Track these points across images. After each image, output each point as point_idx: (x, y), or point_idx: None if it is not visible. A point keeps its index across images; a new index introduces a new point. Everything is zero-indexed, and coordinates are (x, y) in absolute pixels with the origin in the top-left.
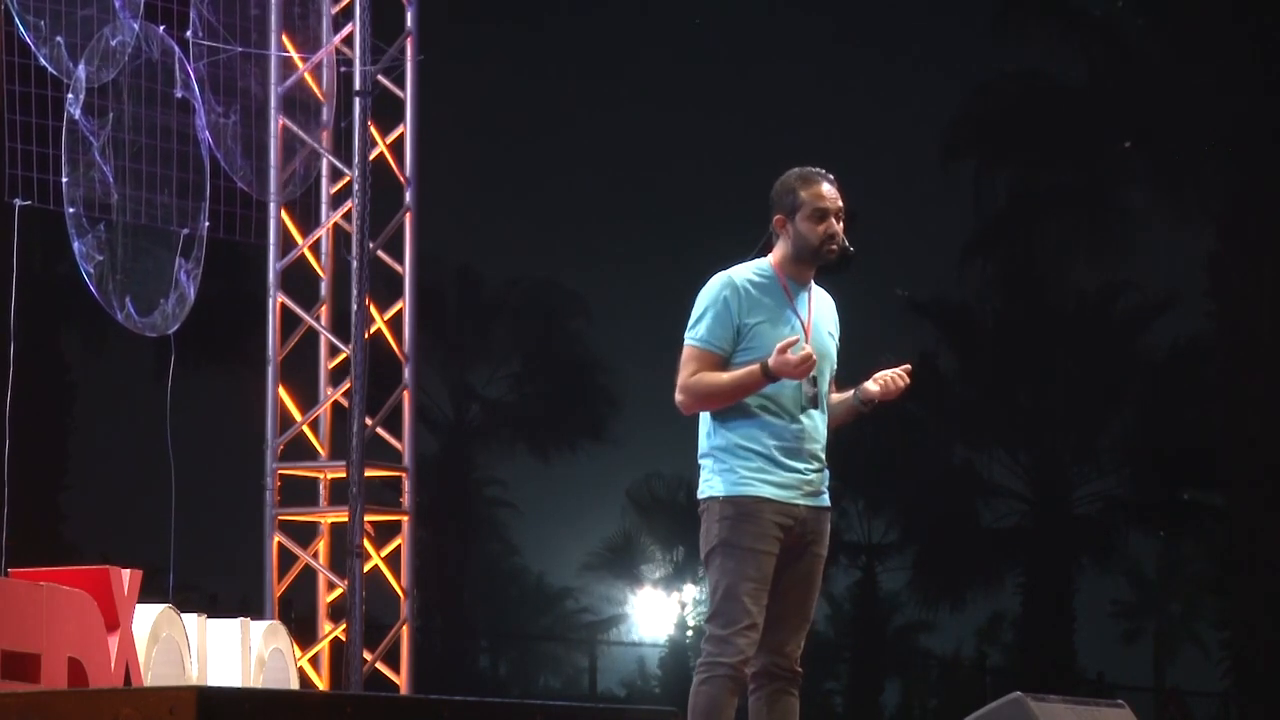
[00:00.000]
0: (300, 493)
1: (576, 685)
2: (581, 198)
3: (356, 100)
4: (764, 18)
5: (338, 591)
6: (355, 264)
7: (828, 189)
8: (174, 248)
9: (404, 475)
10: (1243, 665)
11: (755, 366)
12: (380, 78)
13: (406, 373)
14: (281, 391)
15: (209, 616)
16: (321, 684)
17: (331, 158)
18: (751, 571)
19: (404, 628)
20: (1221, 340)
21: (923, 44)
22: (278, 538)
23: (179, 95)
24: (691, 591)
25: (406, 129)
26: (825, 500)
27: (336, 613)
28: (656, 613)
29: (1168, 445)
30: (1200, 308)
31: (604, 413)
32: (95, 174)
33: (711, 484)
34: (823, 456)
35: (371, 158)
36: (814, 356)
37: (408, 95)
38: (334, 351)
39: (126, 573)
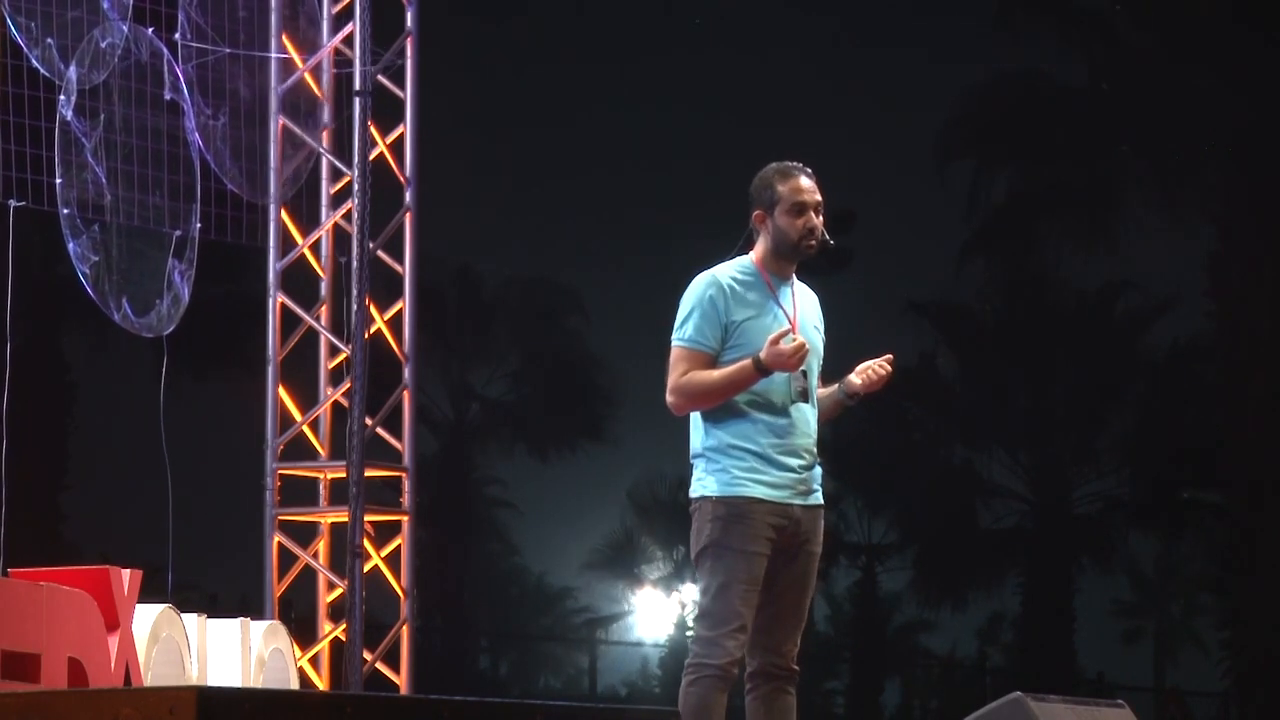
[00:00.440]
0: (300, 493)
1: (576, 685)
2: (582, 198)
3: (356, 100)
4: (764, 17)
5: (338, 591)
6: (355, 264)
7: (805, 182)
8: (167, 249)
9: (404, 475)
10: (1243, 665)
11: (747, 361)
12: (380, 77)
13: (406, 373)
14: (281, 391)
15: (209, 616)
16: (321, 684)
17: (332, 158)
18: (743, 574)
19: (404, 628)
20: (1221, 340)
21: (922, 43)
22: (278, 538)
23: (168, 97)
24: (692, 591)
25: (406, 129)
26: (818, 499)
27: (336, 613)
28: (656, 613)
29: (1168, 445)
30: (1200, 308)
31: (603, 412)
32: (88, 175)
33: (704, 483)
34: (814, 450)
35: (371, 158)
36: (806, 346)
37: (408, 95)
38: (334, 351)
39: (126, 573)
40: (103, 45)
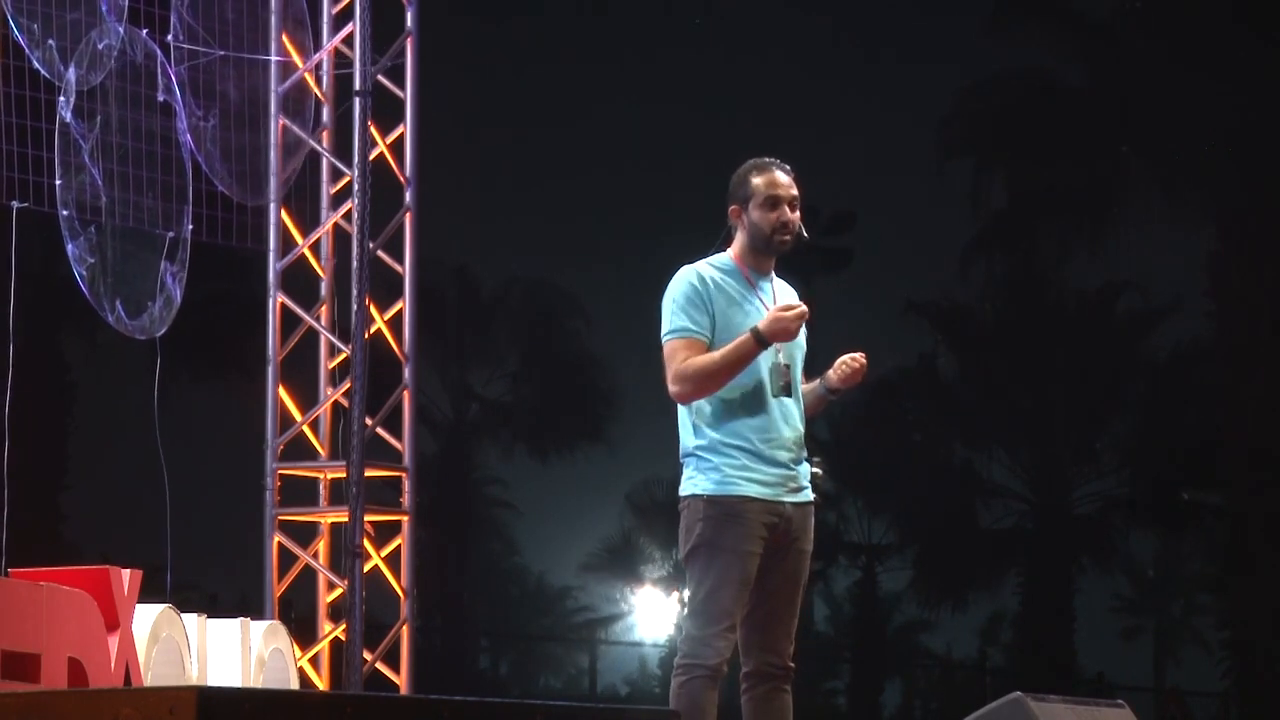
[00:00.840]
0: (300, 493)
1: (576, 685)
2: (582, 198)
3: (356, 100)
4: (764, 17)
5: (338, 591)
6: (355, 264)
7: (781, 176)
8: (159, 251)
9: (404, 475)
10: (1243, 665)
11: (746, 335)
12: (380, 77)
13: (406, 373)
14: (281, 391)
15: (209, 616)
16: (321, 684)
17: (332, 158)
18: (737, 573)
19: (404, 628)
20: (1221, 341)
21: (922, 43)
22: (278, 538)
23: (161, 99)
24: None
25: (406, 129)
26: (808, 495)
27: (336, 613)
28: (656, 612)
29: (1167, 445)
30: (1200, 308)
31: (602, 413)
32: (85, 177)
33: (695, 482)
34: (802, 444)
35: (371, 158)
36: (806, 311)
37: (408, 95)
38: (334, 352)
39: (126, 573)
40: (100, 46)
